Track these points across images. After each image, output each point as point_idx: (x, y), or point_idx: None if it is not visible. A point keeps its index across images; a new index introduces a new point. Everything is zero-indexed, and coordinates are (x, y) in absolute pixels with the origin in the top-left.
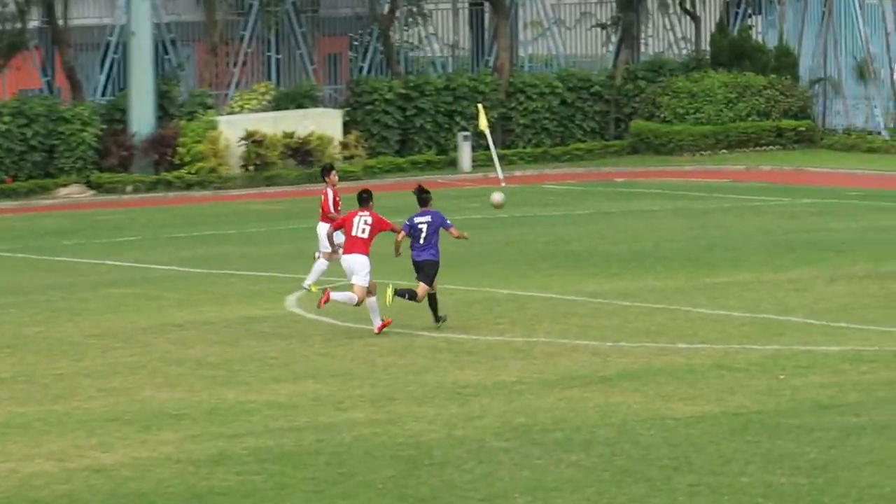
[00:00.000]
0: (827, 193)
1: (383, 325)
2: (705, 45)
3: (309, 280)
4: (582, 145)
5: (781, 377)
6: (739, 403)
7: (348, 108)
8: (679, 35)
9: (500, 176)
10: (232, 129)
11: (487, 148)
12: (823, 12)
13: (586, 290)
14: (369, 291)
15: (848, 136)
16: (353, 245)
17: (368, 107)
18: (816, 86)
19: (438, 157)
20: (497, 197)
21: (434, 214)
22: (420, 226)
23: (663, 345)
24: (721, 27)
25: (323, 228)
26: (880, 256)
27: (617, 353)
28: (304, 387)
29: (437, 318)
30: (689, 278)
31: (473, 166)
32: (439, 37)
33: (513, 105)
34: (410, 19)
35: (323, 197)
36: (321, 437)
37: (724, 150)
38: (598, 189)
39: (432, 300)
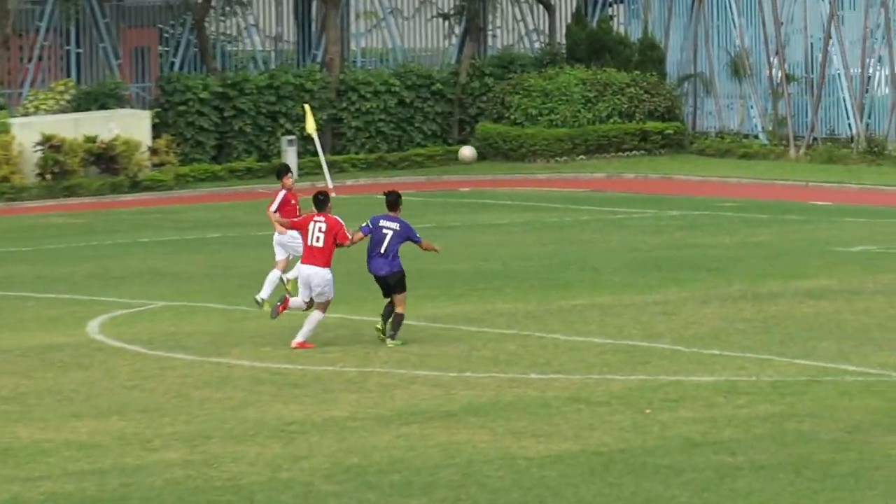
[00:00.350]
0: (698, 205)
1: (302, 346)
2: (561, 38)
3: (263, 293)
4: (422, 151)
5: (647, 411)
6: (600, 441)
7: (158, 109)
8: (531, 26)
9: (330, 185)
10: (26, 132)
11: (315, 154)
12: (693, 1)
13: (427, 313)
14: (322, 306)
15: (721, 140)
16: (310, 256)
17: (181, 107)
18: (685, 83)
19: (260, 164)
20: (467, 152)
21: (402, 223)
22: (385, 231)
23: (514, 375)
24: (578, 18)
25: (279, 239)
26: (757, 275)
27: (462, 385)
28: (109, 424)
29: (395, 336)
30: (542, 301)
31: (300, 174)
32: (260, 28)
33: (344, 105)
34: (228, 8)
35: (275, 199)
36: (128, 480)
37: (581, 156)
38: (439, 200)
39: (397, 318)
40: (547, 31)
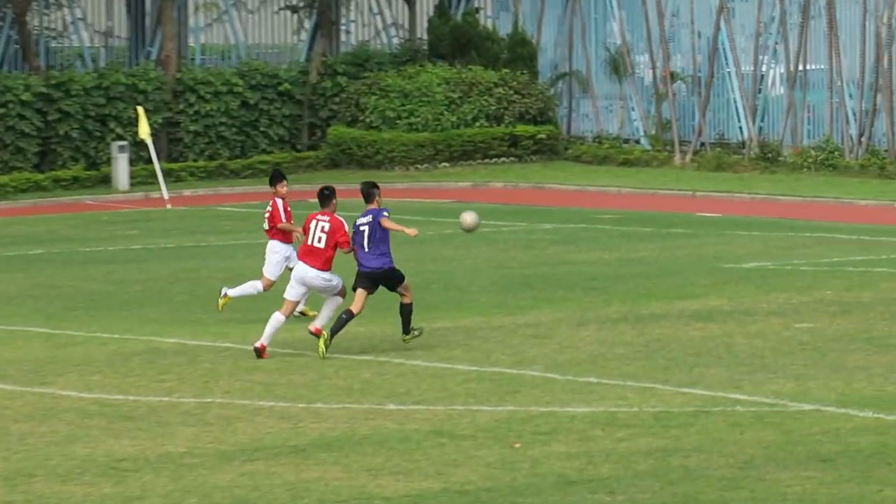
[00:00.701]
0: (573, 217)
1: (319, 332)
2: (422, 33)
3: (233, 291)
4: (267, 158)
5: (517, 446)
6: (465, 479)
7: None
8: (389, 20)
9: (166, 196)
10: None
11: (150, 161)
12: None
13: (278, 339)
14: (341, 291)
15: (599, 146)
16: (308, 255)
17: (0, 110)
18: (560, 83)
19: (88, 172)
20: (469, 218)
21: (374, 212)
22: (361, 228)
23: (369, 406)
24: (441, 10)
25: (273, 249)
26: (639, 295)
27: (311, 417)
28: None
29: (409, 331)
30: (399, 324)
31: (132, 184)
32: (89, 23)
33: (181, 107)
34: (52, 1)
35: (272, 207)
36: None
37: (444, 164)
38: None
39: (406, 310)
40: (406, 26)
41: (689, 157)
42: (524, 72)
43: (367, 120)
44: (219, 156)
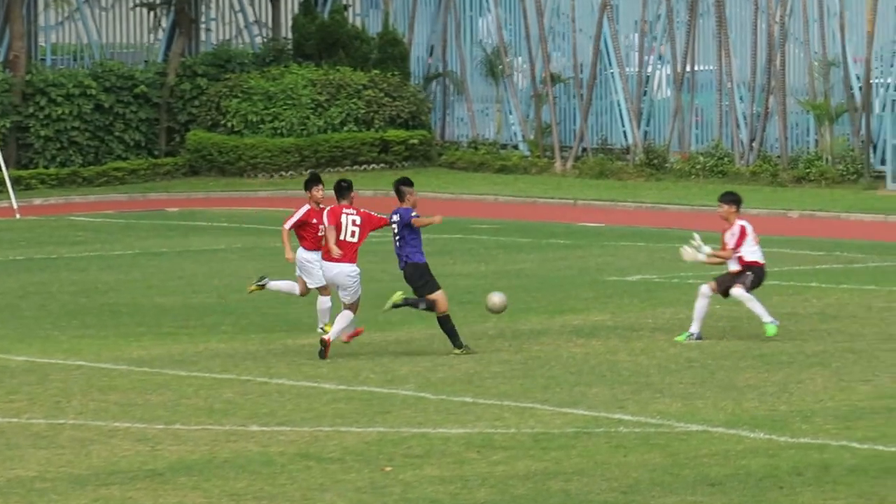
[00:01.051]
0: (448, 226)
1: (355, 334)
2: (286, 32)
3: (322, 321)
4: (123, 164)
5: (387, 469)
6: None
7: None
8: (251, 18)
9: (14, 205)
10: None
11: None
12: None
13: (129, 355)
14: (353, 306)
15: (474, 152)
16: (344, 252)
17: None
18: (433, 85)
19: None
20: (497, 300)
21: (402, 211)
22: (393, 226)
23: (231, 427)
24: (307, 8)
25: (309, 257)
26: (517, 310)
27: (170, 439)
28: None
29: (459, 345)
30: (265, 340)
31: None
32: None
33: (31, 111)
34: None
35: (302, 214)
36: None
37: (311, 170)
38: (144, 222)
39: (445, 322)
40: (270, 24)
41: (570, 163)
42: (395, 73)
43: (229, 124)
44: (71, 162)
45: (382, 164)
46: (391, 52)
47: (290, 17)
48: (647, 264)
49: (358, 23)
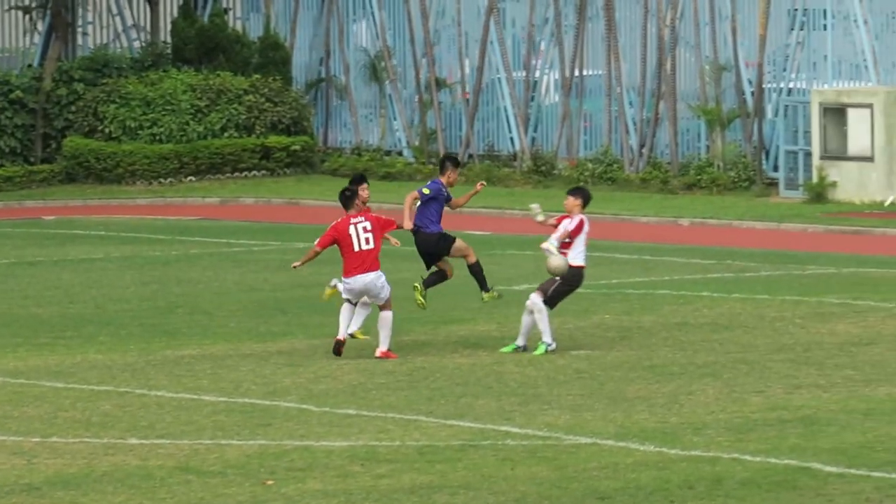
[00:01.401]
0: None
1: (387, 356)
2: (165, 36)
3: (354, 326)
4: None
5: (269, 483)
6: None
7: None
8: (130, 22)
9: None
10: None
11: None
12: None
13: (5, 367)
14: (387, 304)
15: (358, 158)
16: (362, 262)
17: None
18: (315, 90)
19: None
20: (556, 261)
21: (435, 184)
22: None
23: (109, 440)
24: (186, 11)
25: None
26: (402, 319)
27: (47, 452)
28: None
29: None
30: (143, 351)
31: None
32: None
33: None
34: None
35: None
36: None
37: (191, 178)
38: (19, 231)
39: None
40: (149, 28)
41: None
42: (277, 78)
43: (107, 130)
44: None
45: (264, 171)
46: (272, 56)
47: (169, 20)
48: (535, 273)
49: (238, 26)
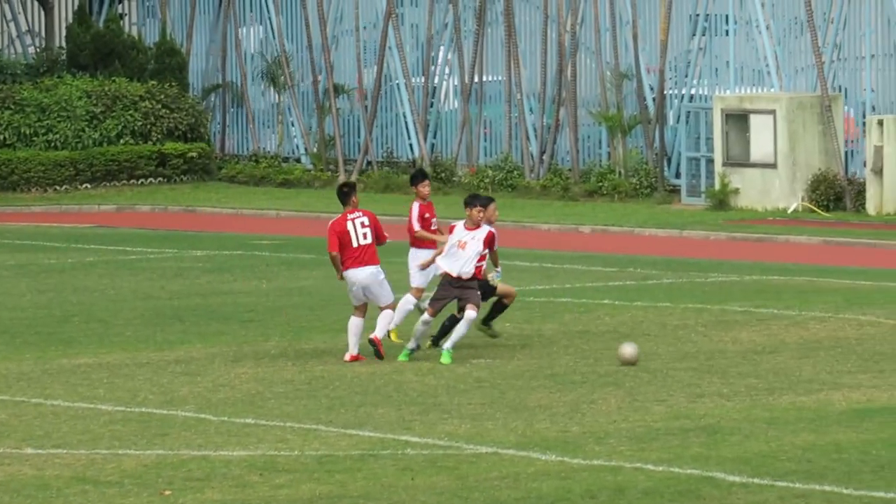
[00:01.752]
0: (228, 243)
1: (354, 359)
2: (61, 41)
3: (394, 321)
4: None
5: (167, 493)
6: None
7: None
8: (24, 27)
9: None
10: None
11: None
12: None
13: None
14: (391, 305)
15: (256, 165)
16: (362, 257)
17: None
18: (213, 96)
19: None
20: (628, 351)
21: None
22: None
23: (5, 450)
24: (82, 17)
25: (415, 257)
26: (300, 328)
27: None
28: None
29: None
30: (39, 360)
31: None
32: None
33: None
34: None
35: (411, 213)
36: None
37: (86, 185)
38: None
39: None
40: (44, 34)
41: (354, 177)
42: (173, 84)
43: (1, 137)
44: None
45: (160, 178)
46: (169, 62)
47: (64, 26)
48: (434, 282)
49: (134, 32)
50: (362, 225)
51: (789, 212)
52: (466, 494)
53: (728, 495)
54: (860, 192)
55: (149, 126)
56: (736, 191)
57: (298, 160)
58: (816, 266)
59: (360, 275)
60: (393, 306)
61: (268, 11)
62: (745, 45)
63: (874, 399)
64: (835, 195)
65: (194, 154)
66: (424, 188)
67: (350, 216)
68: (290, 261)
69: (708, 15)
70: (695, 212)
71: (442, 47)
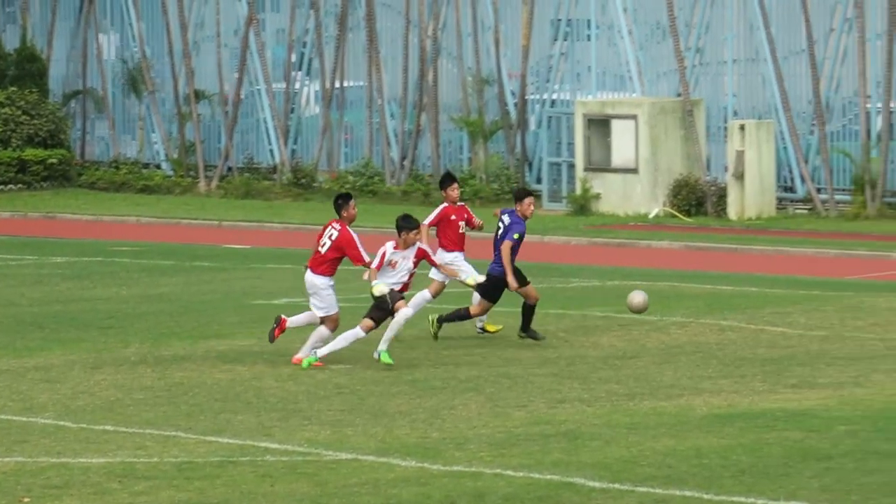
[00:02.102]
0: (87, 249)
1: (299, 361)
2: None
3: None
4: None
5: (25, 500)
6: None
7: None
8: None
9: None
10: None
11: None
12: (82, 3)
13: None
14: (330, 320)
15: (116, 171)
16: (315, 261)
17: None
18: (73, 102)
19: None
20: (639, 299)
21: (513, 219)
22: (500, 223)
23: None
24: None
25: (444, 256)
26: (160, 334)
27: None
28: None
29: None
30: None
31: None
32: None
33: None
34: None
35: (433, 211)
36: None
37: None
38: None
39: (529, 311)
40: None
41: (214, 183)
42: (33, 90)
43: None
44: None
45: (20, 185)
46: (29, 68)
47: None
48: (294, 287)
49: None
50: (330, 238)
51: (651, 217)
52: (326, 501)
53: (588, 501)
54: (721, 197)
55: (8, 133)
56: (597, 196)
57: (159, 166)
58: (678, 271)
59: (308, 277)
60: (332, 325)
61: (129, 17)
62: (607, 50)
63: (735, 404)
64: (696, 200)
65: (54, 160)
66: (453, 192)
67: (333, 224)
68: (150, 267)
69: (570, 20)
70: (556, 217)
71: (304, 52)
